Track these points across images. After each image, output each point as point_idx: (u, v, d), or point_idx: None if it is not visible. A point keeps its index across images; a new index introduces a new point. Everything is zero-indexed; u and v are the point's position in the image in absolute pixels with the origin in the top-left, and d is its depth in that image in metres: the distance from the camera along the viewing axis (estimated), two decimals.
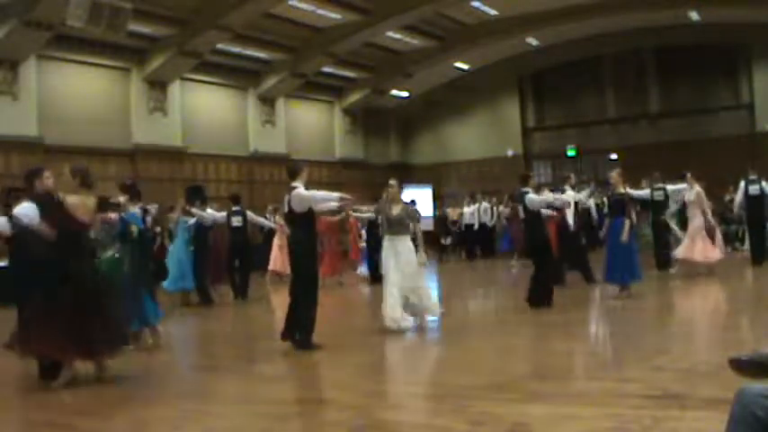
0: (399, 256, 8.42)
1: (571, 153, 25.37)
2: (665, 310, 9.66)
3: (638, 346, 6.97)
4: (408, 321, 8.29)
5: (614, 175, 10.76)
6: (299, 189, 7.49)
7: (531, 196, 9.88)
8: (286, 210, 7.71)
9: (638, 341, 7.31)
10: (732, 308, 9.17)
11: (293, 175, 7.73)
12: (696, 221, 12.43)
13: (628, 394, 4.98)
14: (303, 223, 7.54)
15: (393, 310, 8.19)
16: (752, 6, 19.88)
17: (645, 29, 23.06)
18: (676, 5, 21.08)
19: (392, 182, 8.92)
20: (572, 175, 13.94)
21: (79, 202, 6.21)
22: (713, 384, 4.90)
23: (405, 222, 8.65)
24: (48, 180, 6.47)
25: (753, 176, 14.06)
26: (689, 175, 12.76)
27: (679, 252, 12.59)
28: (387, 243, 8.59)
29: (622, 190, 10.66)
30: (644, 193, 14.02)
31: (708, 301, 10.73)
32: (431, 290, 9.48)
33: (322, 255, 13.28)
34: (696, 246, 12.27)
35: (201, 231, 12.45)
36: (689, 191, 12.73)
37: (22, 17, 14.64)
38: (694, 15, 21.50)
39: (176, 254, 12.36)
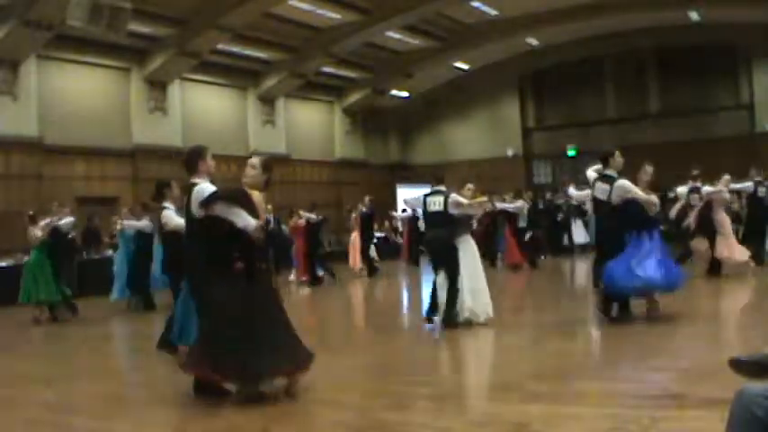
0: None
1: (571, 153, 25.37)
2: (664, 310, 9.64)
3: (638, 346, 6.98)
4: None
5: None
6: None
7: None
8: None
9: (638, 341, 7.31)
10: (732, 308, 9.15)
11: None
12: None
13: (627, 394, 4.98)
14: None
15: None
16: (752, 6, 19.88)
17: (645, 29, 23.06)
18: (676, 5, 21.08)
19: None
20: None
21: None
22: (713, 384, 4.90)
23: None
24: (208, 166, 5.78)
25: (759, 178, 14.04)
26: None
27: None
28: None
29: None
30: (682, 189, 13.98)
31: (707, 300, 10.71)
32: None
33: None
34: None
35: (143, 238, 12.06)
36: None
37: (22, 17, 14.64)
38: (694, 15, 21.51)
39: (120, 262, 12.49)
